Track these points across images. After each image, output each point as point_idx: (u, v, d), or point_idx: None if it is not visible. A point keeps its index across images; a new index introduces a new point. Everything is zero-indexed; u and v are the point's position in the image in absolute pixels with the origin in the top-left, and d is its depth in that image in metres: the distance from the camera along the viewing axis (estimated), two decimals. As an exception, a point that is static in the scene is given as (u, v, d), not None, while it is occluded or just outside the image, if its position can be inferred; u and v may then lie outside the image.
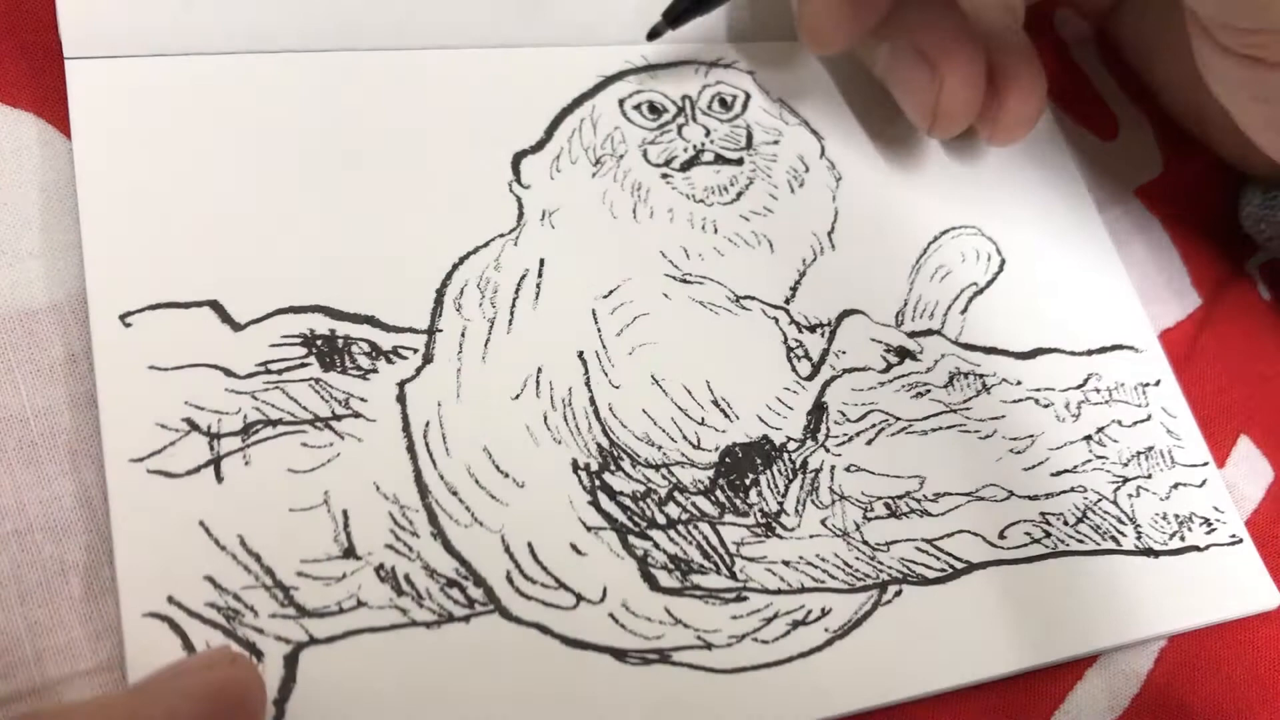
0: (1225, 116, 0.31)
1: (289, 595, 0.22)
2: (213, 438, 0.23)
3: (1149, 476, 0.30)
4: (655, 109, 0.30)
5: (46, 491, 0.22)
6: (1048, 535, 0.28)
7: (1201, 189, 0.37)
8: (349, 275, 0.25)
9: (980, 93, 0.30)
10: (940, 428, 0.29)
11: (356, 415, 0.24)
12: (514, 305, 0.26)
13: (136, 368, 0.23)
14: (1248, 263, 0.37)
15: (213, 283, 0.24)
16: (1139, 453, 0.30)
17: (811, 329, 0.29)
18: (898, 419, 0.28)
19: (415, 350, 0.25)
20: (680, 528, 0.25)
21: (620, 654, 0.24)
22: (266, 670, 0.22)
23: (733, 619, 0.25)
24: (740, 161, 0.30)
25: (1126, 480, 0.30)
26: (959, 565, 0.27)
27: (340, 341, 0.25)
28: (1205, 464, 0.31)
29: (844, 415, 0.28)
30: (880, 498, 0.27)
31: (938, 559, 0.27)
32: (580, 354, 0.26)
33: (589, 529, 0.25)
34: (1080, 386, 0.31)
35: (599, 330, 0.27)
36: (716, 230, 0.29)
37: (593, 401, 0.26)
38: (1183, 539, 0.29)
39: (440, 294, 0.26)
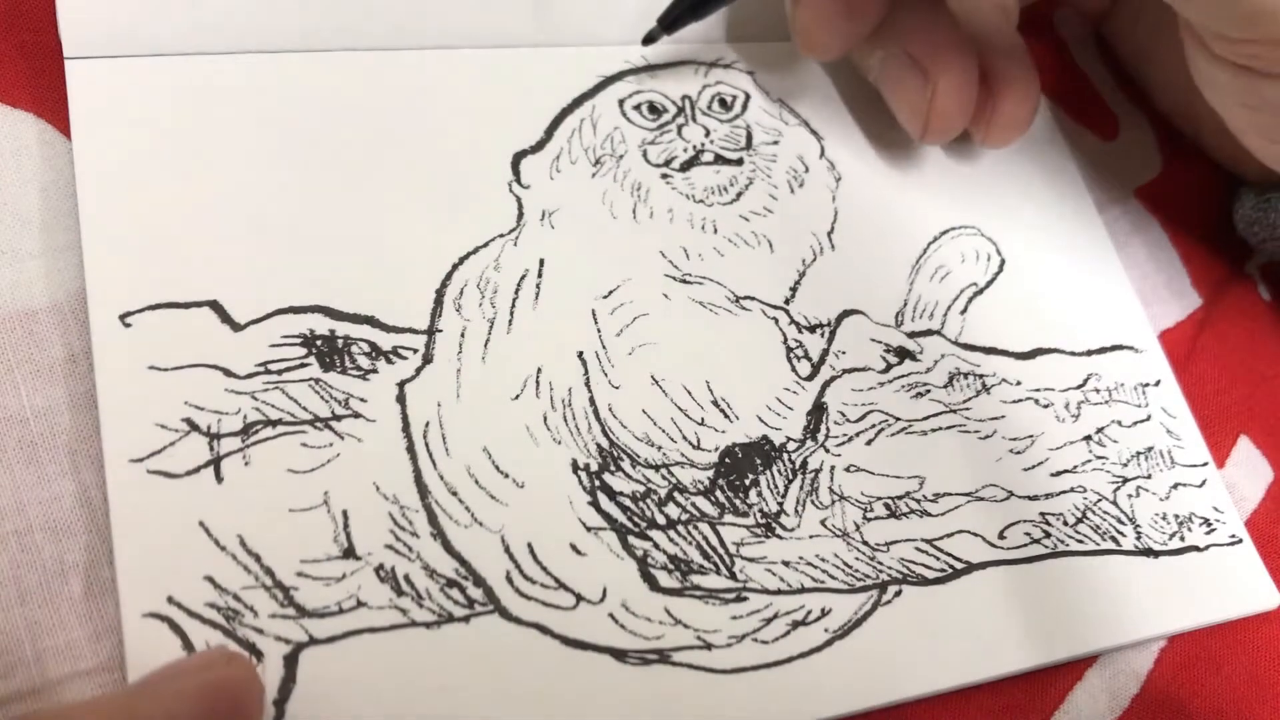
0: (1218, 121, 0.31)
1: (289, 595, 0.22)
2: (212, 438, 0.23)
3: (1149, 477, 0.30)
4: (655, 109, 0.30)
5: (46, 491, 0.22)
6: (1047, 535, 0.28)
7: (1201, 189, 0.37)
8: (349, 275, 0.25)
9: (972, 100, 0.30)
10: (940, 428, 0.29)
11: (356, 415, 0.24)
12: (514, 305, 0.26)
13: (136, 368, 0.23)
14: (1247, 263, 0.37)
15: (213, 283, 0.24)
16: (1139, 453, 0.30)
17: (811, 329, 0.29)
18: (897, 419, 0.28)
19: (415, 350, 0.25)
20: (680, 528, 0.25)
21: (620, 654, 0.24)
22: (267, 670, 0.22)
23: (733, 619, 0.25)
24: (740, 162, 0.30)
25: (1126, 480, 0.30)
26: (959, 565, 0.27)
27: (340, 342, 0.25)
28: (1205, 464, 0.31)
29: (844, 415, 0.28)
30: (880, 498, 0.27)
31: (937, 559, 0.27)
32: (580, 354, 0.26)
33: (589, 529, 0.25)
34: (1080, 387, 0.31)
35: (599, 330, 0.27)
36: (716, 230, 0.29)
37: (592, 402, 0.26)
38: (1182, 539, 0.29)
39: (440, 294, 0.26)
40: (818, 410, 0.28)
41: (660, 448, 0.26)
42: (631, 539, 0.25)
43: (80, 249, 0.24)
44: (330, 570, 0.23)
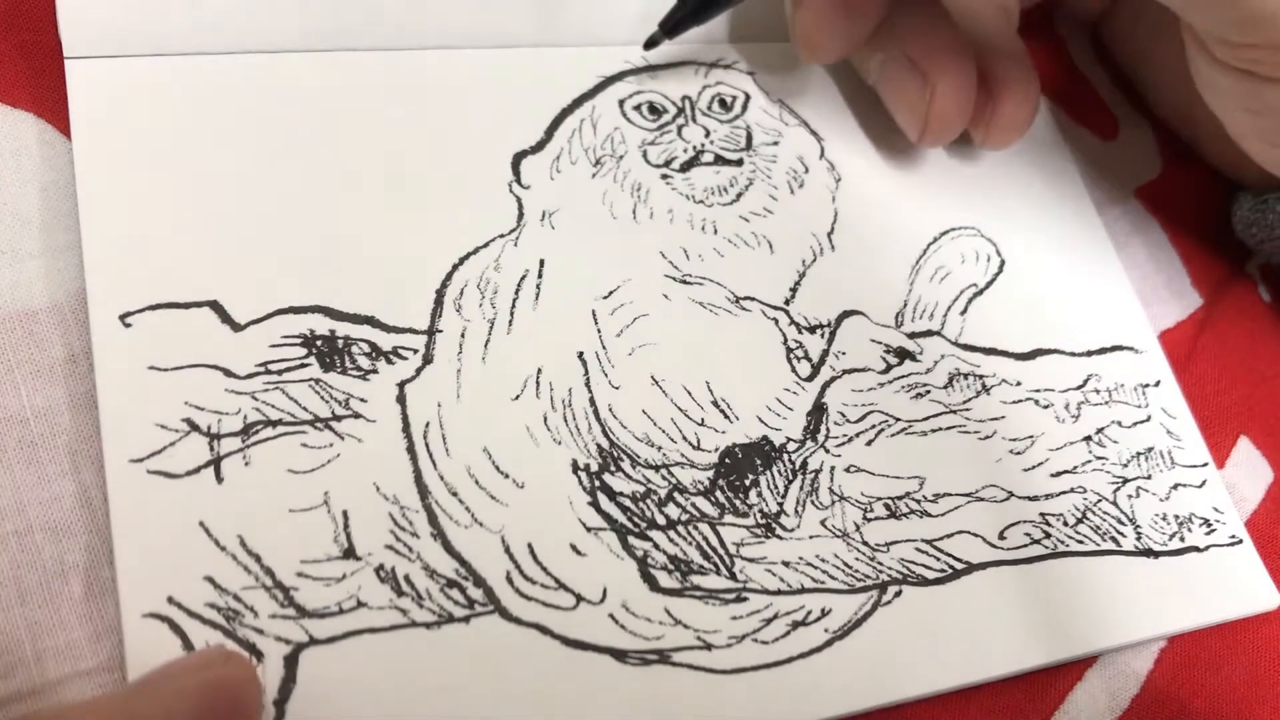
0: (1216, 124, 0.31)
1: (289, 596, 0.22)
2: (213, 438, 0.23)
3: (1149, 477, 0.30)
4: (655, 109, 0.30)
5: (46, 492, 0.22)
6: (1047, 536, 0.28)
7: (1201, 190, 0.37)
8: (349, 275, 0.25)
9: (970, 103, 0.30)
10: (940, 428, 0.29)
11: (356, 416, 0.24)
12: (514, 306, 0.26)
13: (136, 368, 0.23)
14: (1248, 264, 0.37)
15: (213, 283, 0.24)
16: (1139, 453, 0.30)
17: (811, 330, 0.29)
18: (897, 420, 0.28)
19: (415, 351, 0.25)
20: (680, 528, 0.25)
21: (620, 654, 0.24)
22: (267, 670, 0.22)
23: (732, 619, 0.25)
24: (740, 162, 0.30)
25: (1126, 481, 0.30)
26: (959, 566, 0.27)
27: (340, 342, 0.25)
28: (1205, 465, 0.31)
29: (844, 416, 0.28)
30: (880, 498, 0.27)
31: (937, 559, 0.27)
32: (580, 354, 0.26)
33: (589, 529, 0.25)
34: (1080, 387, 0.31)
35: (599, 331, 0.27)
36: (716, 231, 0.29)
37: (593, 402, 0.26)
38: (1182, 539, 0.29)
39: (440, 294, 0.26)
40: (818, 411, 0.28)
41: (660, 448, 0.26)
42: (631, 539, 0.25)
43: (80, 249, 0.24)
44: (330, 570, 0.23)
